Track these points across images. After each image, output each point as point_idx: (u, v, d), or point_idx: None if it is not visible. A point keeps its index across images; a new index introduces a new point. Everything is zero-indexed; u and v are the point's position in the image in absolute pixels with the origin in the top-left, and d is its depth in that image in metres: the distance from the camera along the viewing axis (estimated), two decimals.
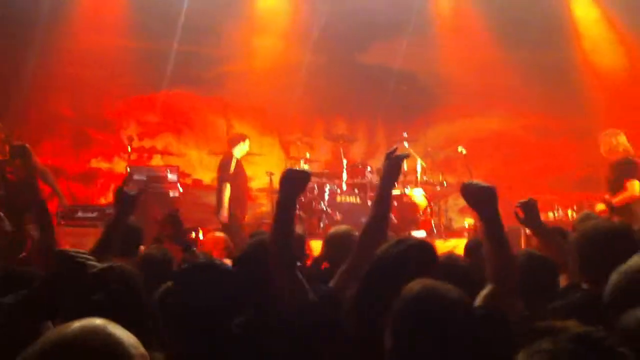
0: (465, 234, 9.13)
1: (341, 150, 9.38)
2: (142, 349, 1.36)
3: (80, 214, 7.81)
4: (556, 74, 11.00)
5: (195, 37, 10.42)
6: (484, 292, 2.49)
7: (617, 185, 7.19)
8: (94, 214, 7.76)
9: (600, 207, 7.36)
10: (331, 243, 4.17)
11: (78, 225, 7.56)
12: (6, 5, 9.56)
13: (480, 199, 2.65)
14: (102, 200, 9.81)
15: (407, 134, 9.59)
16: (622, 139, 7.40)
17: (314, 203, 8.72)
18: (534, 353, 1.24)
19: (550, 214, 9.26)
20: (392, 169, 3.13)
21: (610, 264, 2.44)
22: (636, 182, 7.11)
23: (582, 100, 11.19)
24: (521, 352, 1.26)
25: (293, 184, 2.83)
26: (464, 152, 8.10)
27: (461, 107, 11.43)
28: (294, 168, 2.95)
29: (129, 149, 8.90)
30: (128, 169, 8.63)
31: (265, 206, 10.51)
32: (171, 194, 8.59)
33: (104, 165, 10.38)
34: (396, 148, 3.27)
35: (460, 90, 11.21)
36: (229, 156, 8.62)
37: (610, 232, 2.91)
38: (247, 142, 8.74)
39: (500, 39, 11.04)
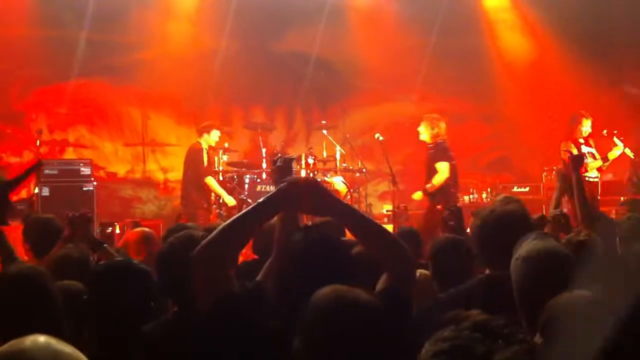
0: (385, 219, 9.31)
1: (260, 139, 9.35)
2: None
3: None
4: (466, 59, 11.31)
5: (104, 25, 10.09)
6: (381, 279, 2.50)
7: (430, 170, 7.57)
8: None
9: (417, 195, 7.72)
10: (258, 235, 4.11)
11: None
12: None
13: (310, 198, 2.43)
14: (14, 198, 9.43)
15: (325, 121, 9.69)
16: (443, 124, 7.77)
17: (234, 193, 8.67)
18: (436, 341, 1.30)
19: (467, 197, 9.56)
20: (281, 172, 2.84)
21: (506, 248, 2.55)
22: (443, 163, 7.51)
23: (492, 86, 11.58)
24: (427, 342, 1.32)
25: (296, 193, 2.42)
26: (381, 138, 8.22)
27: (376, 93, 11.60)
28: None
29: (38, 142, 8.57)
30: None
31: None
32: (85, 187, 8.35)
33: (13, 159, 9.94)
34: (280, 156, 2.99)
35: (375, 77, 11.37)
36: (198, 148, 8.45)
37: (504, 216, 2.87)
38: (215, 131, 8.59)
39: (411, 26, 11.25)
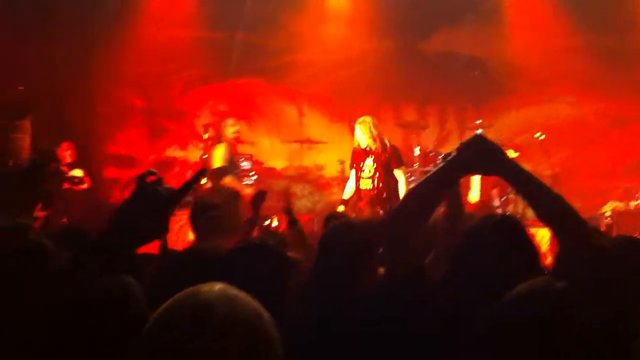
0: None
1: (413, 138, 9.33)
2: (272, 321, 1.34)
3: None
4: (628, 57, 10.68)
5: (261, 27, 10.50)
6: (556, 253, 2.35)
7: (386, 177, 7.11)
8: None
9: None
10: None
11: None
12: (75, 2, 9.76)
13: (486, 156, 2.29)
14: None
15: (480, 120, 9.50)
16: (377, 126, 7.09)
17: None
18: None
19: (633, 203, 9.02)
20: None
21: None
22: (403, 169, 7.11)
23: None
24: None
25: (478, 157, 2.28)
26: (542, 137, 7.91)
27: (532, 93, 11.21)
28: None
29: (206, 136, 9.02)
30: (204, 157, 8.75)
31: (336, 194, 10.49)
32: (246, 181, 8.68)
33: (179, 154, 10.55)
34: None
35: (531, 77, 10.99)
36: None
37: None
38: None
39: (570, 22, 10.77)
